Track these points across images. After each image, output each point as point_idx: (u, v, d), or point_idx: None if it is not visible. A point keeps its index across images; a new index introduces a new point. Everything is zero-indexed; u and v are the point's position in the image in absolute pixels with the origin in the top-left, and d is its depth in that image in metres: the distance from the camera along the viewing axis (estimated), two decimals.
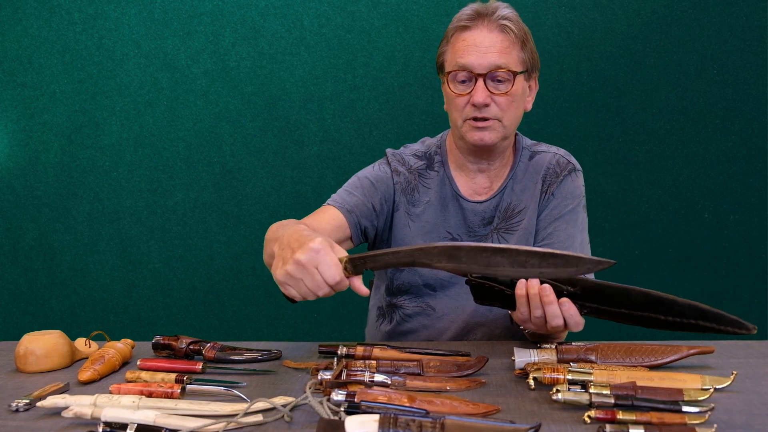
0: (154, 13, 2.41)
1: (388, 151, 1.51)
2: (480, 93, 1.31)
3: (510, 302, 1.13)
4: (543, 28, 2.34)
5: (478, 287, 1.14)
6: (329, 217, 1.37)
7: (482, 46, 1.31)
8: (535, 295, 1.08)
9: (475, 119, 1.34)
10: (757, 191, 2.36)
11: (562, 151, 1.48)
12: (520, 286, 1.10)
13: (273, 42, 2.41)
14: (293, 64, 2.41)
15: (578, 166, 1.47)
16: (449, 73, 1.34)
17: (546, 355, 1.13)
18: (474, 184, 1.44)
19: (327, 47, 2.40)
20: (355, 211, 1.39)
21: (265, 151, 2.45)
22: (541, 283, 1.09)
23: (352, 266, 0.99)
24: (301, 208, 2.45)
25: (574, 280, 1.09)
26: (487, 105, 1.32)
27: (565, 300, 1.09)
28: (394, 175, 1.45)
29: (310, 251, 0.96)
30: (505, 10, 1.34)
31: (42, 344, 1.21)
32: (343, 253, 1.00)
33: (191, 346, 1.24)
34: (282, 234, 1.06)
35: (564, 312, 1.09)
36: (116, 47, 2.43)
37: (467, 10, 1.36)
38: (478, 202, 1.43)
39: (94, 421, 0.92)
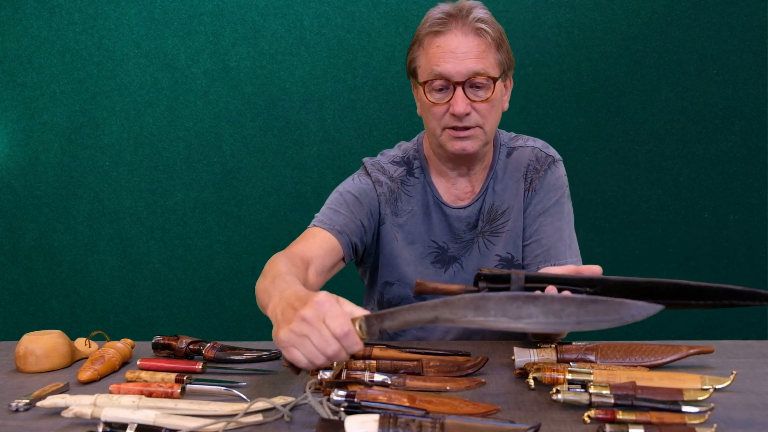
0: (154, 13, 2.41)
1: (366, 160, 1.46)
2: (460, 103, 1.26)
3: None
4: (543, 28, 2.34)
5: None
6: (320, 240, 1.30)
7: (458, 52, 1.25)
8: None
9: (455, 128, 1.29)
10: (757, 191, 2.36)
11: (539, 143, 1.44)
12: None
13: (273, 42, 2.41)
14: (293, 64, 2.41)
15: (557, 156, 1.43)
16: (425, 82, 1.29)
17: (546, 355, 1.13)
18: (456, 190, 1.41)
19: (327, 47, 2.40)
20: (346, 231, 1.33)
21: (265, 151, 2.45)
22: (559, 291, 1.03)
23: (367, 325, 0.89)
24: (301, 208, 2.46)
25: (594, 280, 1.03)
26: (467, 114, 1.27)
27: None
28: (377, 185, 1.40)
29: (314, 304, 0.86)
30: (480, 11, 1.28)
31: (42, 344, 1.21)
32: (358, 312, 0.90)
33: (191, 346, 1.24)
34: (277, 295, 0.96)
35: None
36: (116, 47, 2.43)
37: (437, 12, 1.29)
38: (461, 208, 1.40)
39: (94, 421, 0.92)
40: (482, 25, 1.26)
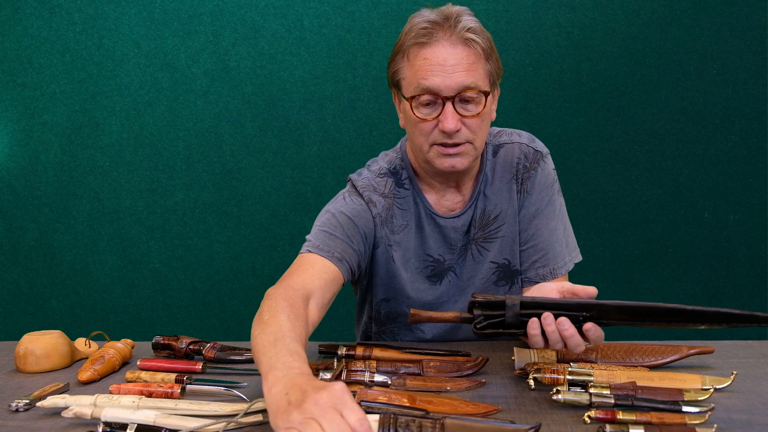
0: (154, 13, 2.41)
1: (353, 178, 1.38)
2: (450, 119, 1.18)
3: (517, 336, 1.06)
4: (543, 28, 2.34)
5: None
6: (320, 271, 1.19)
7: (447, 65, 1.17)
8: (554, 331, 1.00)
9: (444, 145, 1.23)
10: (757, 191, 2.36)
11: (524, 137, 1.38)
12: (533, 326, 1.01)
13: (273, 42, 2.41)
14: (293, 64, 2.41)
15: (545, 149, 1.38)
16: (412, 97, 1.22)
17: (546, 355, 1.13)
18: (446, 201, 1.36)
19: (327, 47, 2.40)
20: (345, 257, 1.24)
21: (265, 151, 2.45)
22: (555, 317, 1.00)
23: None
24: (301, 209, 2.46)
25: (591, 305, 1.02)
26: (457, 130, 1.20)
27: (590, 326, 1.00)
28: (371, 206, 1.33)
29: (332, 392, 0.74)
30: (468, 19, 1.20)
31: (42, 344, 1.21)
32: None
33: (191, 346, 1.24)
34: (281, 368, 0.84)
35: (590, 336, 1.00)
36: (116, 47, 2.43)
37: (421, 20, 1.21)
38: (455, 217, 1.35)
39: (94, 421, 0.93)
40: (471, 35, 1.19)
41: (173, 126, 2.46)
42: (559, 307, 1.02)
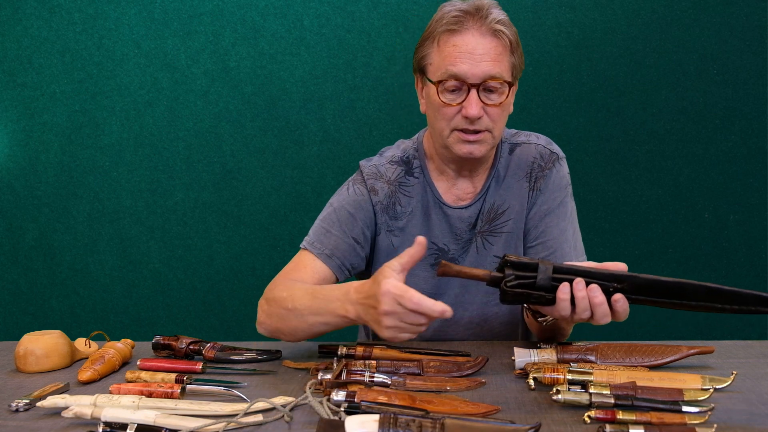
0: (154, 13, 2.41)
1: (363, 164, 1.42)
2: (474, 106, 1.23)
3: (544, 301, 1.05)
4: (543, 28, 2.34)
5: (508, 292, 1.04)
6: (311, 271, 1.31)
7: (475, 54, 1.22)
8: (584, 298, 1.02)
9: (465, 131, 1.26)
10: (757, 191, 2.36)
11: (542, 140, 1.41)
12: (564, 290, 1.02)
13: (273, 42, 2.41)
14: (293, 64, 2.41)
15: (561, 153, 1.41)
16: (439, 82, 1.26)
17: (546, 355, 1.13)
18: (457, 190, 1.38)
19: (327, 47, 2.40)
20: (336, 254, 1.32)
21: (265, 151, 2.45)
22: (587, 284, 1.02)
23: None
24: (301, 208, 2.46)
25: (623, 277, 1.02)
26: (479, 117, 1.24)
27: (619, 297, 1.02)
28: (372, 195, 1.37)
29: (384, 296, 1.00)
30: (498, 12, 1.25)
31: (42, 344, 1.21)
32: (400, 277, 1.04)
33: (191, 346, 1.24)
34: (338, 298, 1.12)
35: (618, 308, 1.02)
36: (116, 47, 2.43)
37: (453, 9, 1.25)
38: (463, 208, 1.37)
39: (94, 421, 0.93)
40: (500, 27, 1.23)
41: (173, 126, 2.46)
42: (591, 275, 1.03)
